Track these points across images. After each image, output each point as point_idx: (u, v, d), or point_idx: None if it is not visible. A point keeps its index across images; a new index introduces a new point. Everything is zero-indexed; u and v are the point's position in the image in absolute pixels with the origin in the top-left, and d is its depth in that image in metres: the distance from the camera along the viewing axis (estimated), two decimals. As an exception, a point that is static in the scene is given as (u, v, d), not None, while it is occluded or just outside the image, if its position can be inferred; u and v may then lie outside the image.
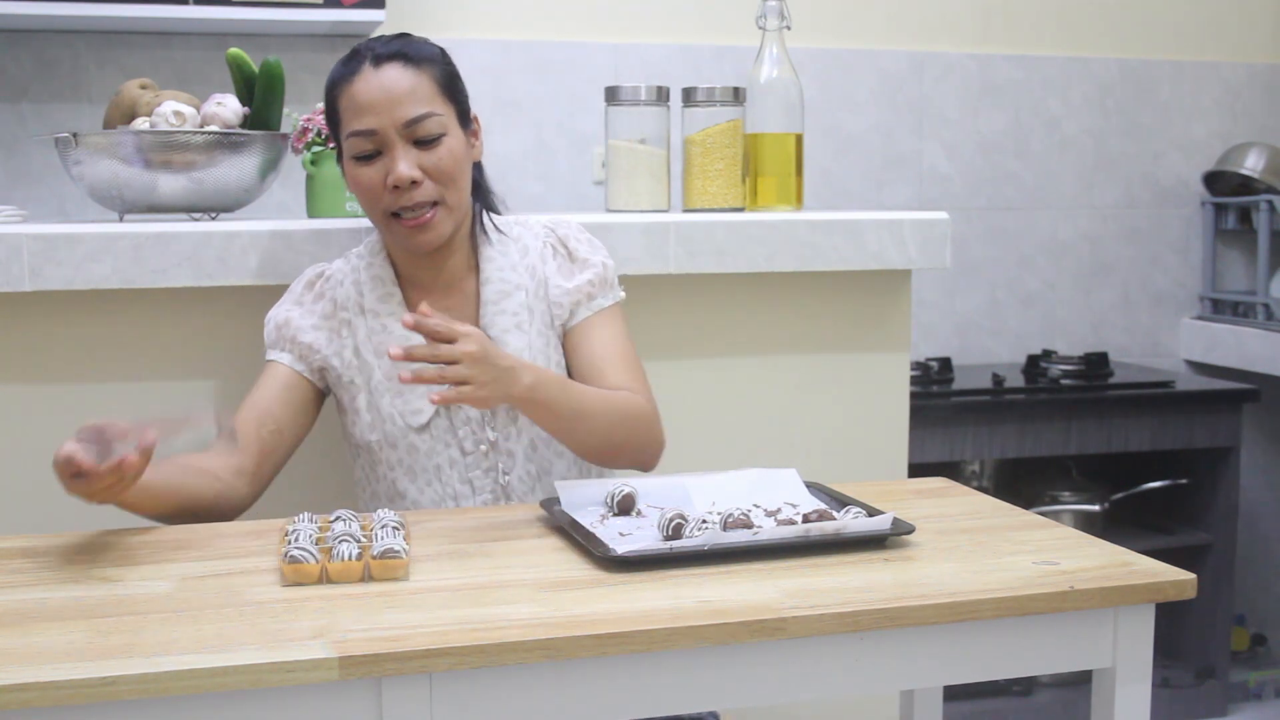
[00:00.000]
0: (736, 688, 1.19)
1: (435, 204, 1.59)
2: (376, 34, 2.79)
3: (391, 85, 1.58)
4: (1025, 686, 3.05)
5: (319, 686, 1.07)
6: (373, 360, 1.66)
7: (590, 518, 1.44)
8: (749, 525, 1.35)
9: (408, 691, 1.09)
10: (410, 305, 1.67)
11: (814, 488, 1.54)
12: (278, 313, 1.68)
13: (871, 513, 1.41)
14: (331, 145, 1.94)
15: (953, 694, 2.84)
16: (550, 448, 1.68)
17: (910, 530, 1.38)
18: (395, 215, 1.60)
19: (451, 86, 1.64)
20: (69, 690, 1.02)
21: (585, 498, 1.49)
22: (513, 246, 1.72)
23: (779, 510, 1.45)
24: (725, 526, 1.34)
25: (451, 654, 1.08)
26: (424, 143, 1.58)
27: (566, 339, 1.71)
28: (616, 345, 1.69)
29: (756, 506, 1.46)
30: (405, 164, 1.57)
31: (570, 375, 1.70)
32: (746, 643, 1.16)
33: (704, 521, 1.36)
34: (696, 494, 1.50)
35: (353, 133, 1.58)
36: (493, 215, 1.75)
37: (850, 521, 1.37)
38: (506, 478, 1.65)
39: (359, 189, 1.61)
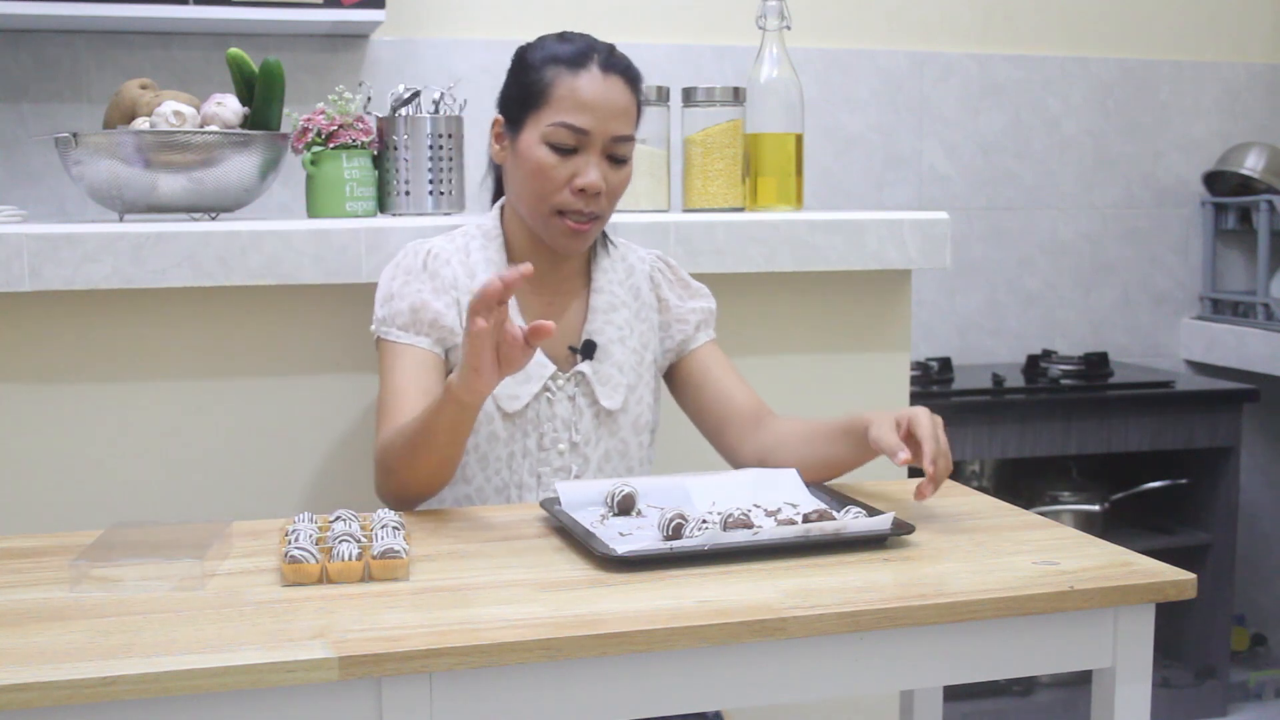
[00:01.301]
0: (737, 688, 1.19)
1: (598, 217, 1.64)
2: (377, 34, 2.80)
3: (616, 97, 1.63)
4: (1025, 686, 3.05)
5: (319, 686, 1.07)
6: None
7: (590, 518, 1.44)
8: (749, 525, 1.35)
9: (408, 691, 1.09)
10: (521, 293, 1.69)
11: (814, 487, 1.54)
12: (407, 295, 1.66)
13: (871, 513, 1.41)
14: (332, 145, 1.94)
15: (953, 694, 2.83)
16: (623, 462, 1.71)
17: (910, 530, 1.38)
18: (561, 212, 1.62)
19: (641, 116, 1.70)
20: (69, 690, 1.02)
21: (585, 498, 1.49)
22: (620, 264, 1.76)
23: (779, 510, 1.45)
24: (725, 526, 1.34)
25: (451, 654, 1.09)
26: (615, 160, 1.64)
27: (685, 362, 1.77)
28: (735, 369, 1.78)
29: (756, 506, 1.46)
30: (598, 174, 1.62)
31: (695, 396, 1.77)
32: (747, 643, 1.16)
33: (704, 521, 1.36)
34: (696, 494, 1.50)
35: (564, 124, 1.60)
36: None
37: (850, 521, 1.37)
38: (577, 480, 1.66)
39: (540, 174, 1.62)
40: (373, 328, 1.69)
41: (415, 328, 1.65)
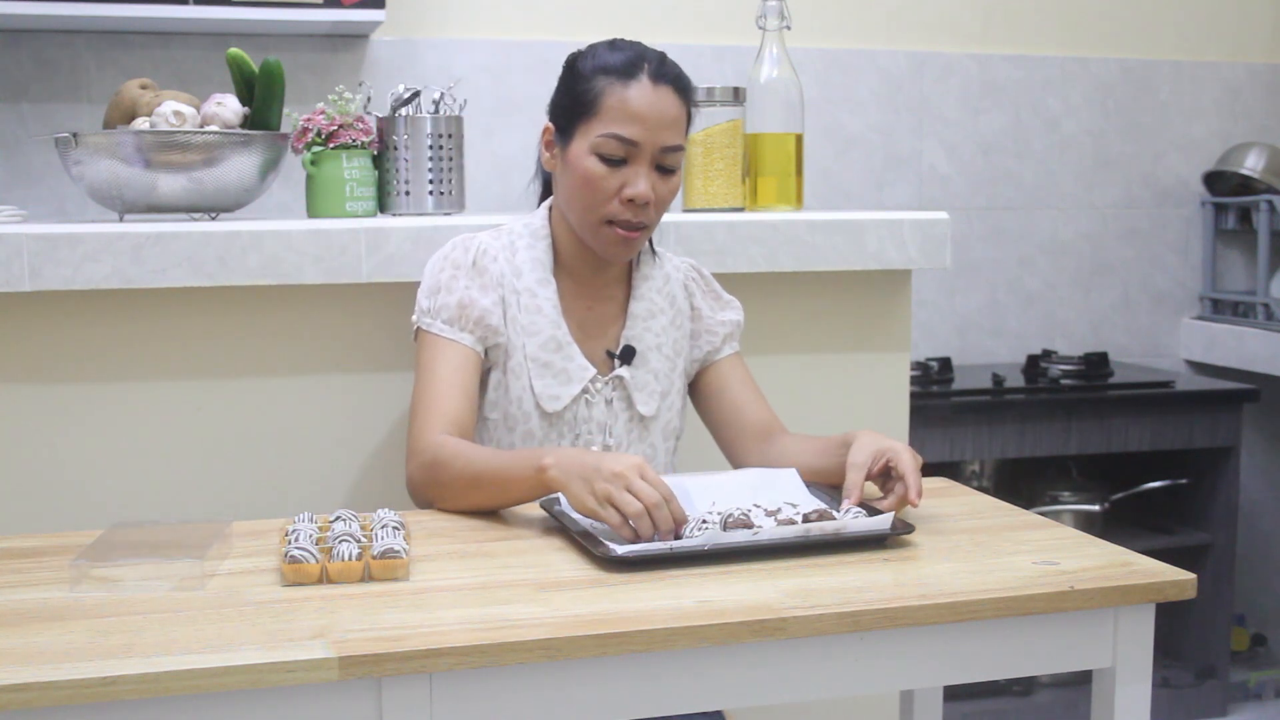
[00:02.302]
0: (737, 688, 1.19)
1: (645, 227, 1.65)
2: (377, 34, 2.80)
3: (665, 108, 1.62)
4: (1025, 686, 3.05)
5: (319, 686, 1.07)
6: (517, 339, 1.68)
7: (587, 518, 1.44)
8: (749, 525, 1.35)
9: (408, 691, 1.09)
10: (563, 295, 1.71)
11: (814, 487, 1.54)
12: (456, 290, 1.66)
13: (871, 512, 1.41)
14: (332, 145, 1.94)
15: (953, 694, 2.83)
16: (651, 467, 1.71)
17: (910, 530, 1.39)
18: (609, 222, 1.63)
19: (690, 125, 1.70)
20: (69, 690, 1.02)
21: None
22: (659, 271, 1.78)
23: (779, 510, 1.45)
24: (725, 526, 1.34)
25: (451, 654, 1.09)
26: (664, 170, 1.64)
27: (708, 373, 1.79)
28: (754, 383, 1.80)
29: (756, 506, 1.46)
30: (647, 184, 1.62)
31: (713, 406, 1.79)
32: (747, 643, 1.16)
33: (704, 521, 1.36)
34: (696, 494, 1.50)
35: (613, 135, 1.60)
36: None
37: (850, 521, 1.37)
38: None
39: (589, 184, 1.62)
40: (414, 318, 1.70)
41: (460, 324, 1.66)
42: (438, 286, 1.68)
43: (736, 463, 1.76)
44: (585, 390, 1.68)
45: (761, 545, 1.33)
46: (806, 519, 1.38)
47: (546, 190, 1.81)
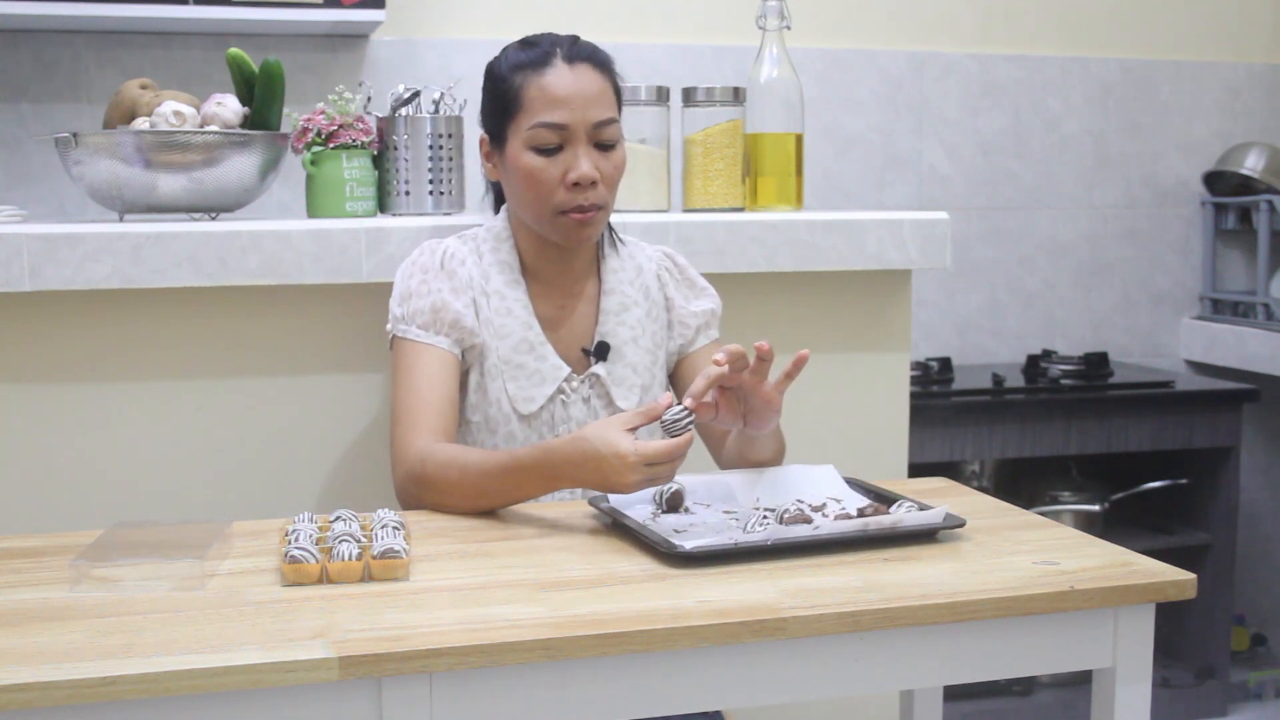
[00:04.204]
0: (737, 688, 1.19)
1: (599, 207, 1.64)
2: (377, 34, 2.80)
3: (586, 85, 1.62)
4: (1025, 686, 3.05)
5: (319, 686, 1.07)
6: (492, 342, 1.67)
7: (641, 515, 1.44)
8: (808, 520, 1.36)
9: (408, 691, 1.09)
10: (534, 296, 1.70)
11: (853, 483, 1.56)
12: (427, 294, 1.66)
13: (922, 507, 1.42)
14: (332, 145, 1.94)
15: (953, 694, 2.83)
16: None
17: (961, 524, 1.39)
18: (563, 211, 1.62)
19: (621, 97, 1.69)
20: (69, 690, 1.02)
21: (633, 495, 1.49)
22: (630, 263, 1.76)
23: (824, 505, 1.46)
24: (782, 521, 1.36)
25: (451, 654, 1.09)
26: (604, 146, 1.63)
27: (684, 363, 1.78)
28: None
29: (800, 502, 1.46)
30: (588, 164, 1.61)
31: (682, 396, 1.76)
32: (747, 643, 1.16)
33: (764, 517, 1.38)
34: (740, 490, 1.51)
35: (542, 124, 1.60)
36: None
37: (906, 515, 1.38)
38: None
39: (532, 180, 1.62)
40: (389, 327, 1.69)
41: (435, 327, 1.65)
42: (409, 292, 1.67)
43: (714, 458, 1.75)
44: (560, 390, 1.68)
45: (822, 539, 1.34)
46: (862, 514, 1.40)
47: (500, 201, 1.80)
